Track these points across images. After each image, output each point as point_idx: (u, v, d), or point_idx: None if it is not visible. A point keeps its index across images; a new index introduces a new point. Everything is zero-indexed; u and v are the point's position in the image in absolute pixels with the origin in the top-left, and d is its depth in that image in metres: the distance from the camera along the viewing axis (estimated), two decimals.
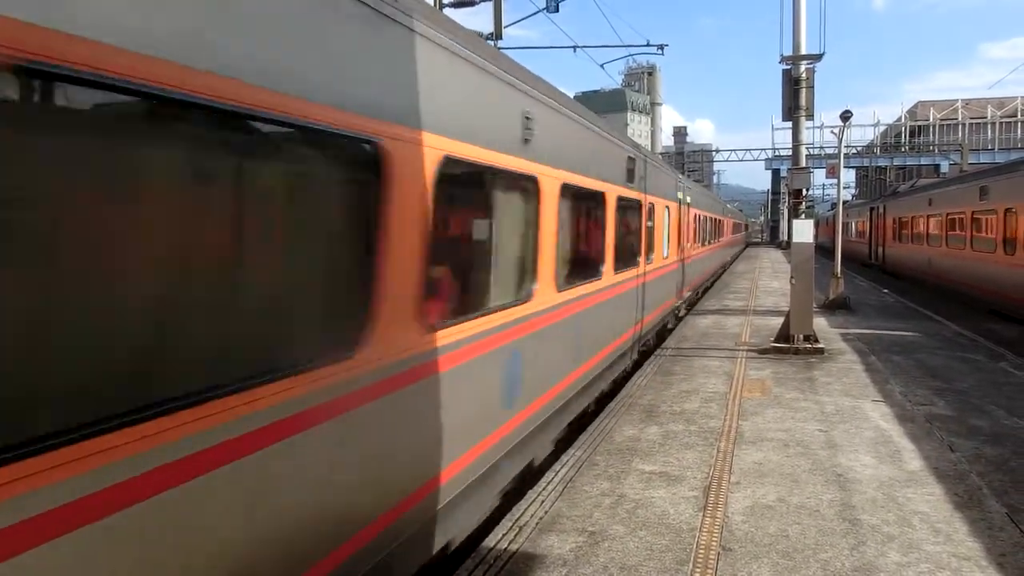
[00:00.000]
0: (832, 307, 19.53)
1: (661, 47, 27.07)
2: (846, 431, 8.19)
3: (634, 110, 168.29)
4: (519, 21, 21.98)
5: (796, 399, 9.71)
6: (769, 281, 29.82)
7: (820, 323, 15.86)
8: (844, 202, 28.66)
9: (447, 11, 18.73)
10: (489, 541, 5.42)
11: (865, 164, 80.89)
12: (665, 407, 9.31)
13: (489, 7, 18.68)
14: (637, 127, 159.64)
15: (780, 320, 14.32)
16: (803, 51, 13.55)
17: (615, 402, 9.60)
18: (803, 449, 7.56)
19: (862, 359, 12.49)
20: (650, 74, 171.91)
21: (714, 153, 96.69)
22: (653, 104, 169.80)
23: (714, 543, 5.34)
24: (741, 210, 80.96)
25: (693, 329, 16.36)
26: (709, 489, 6.42)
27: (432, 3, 18.22)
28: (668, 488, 6.46)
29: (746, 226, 74.40)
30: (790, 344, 13.10)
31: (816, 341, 13.23)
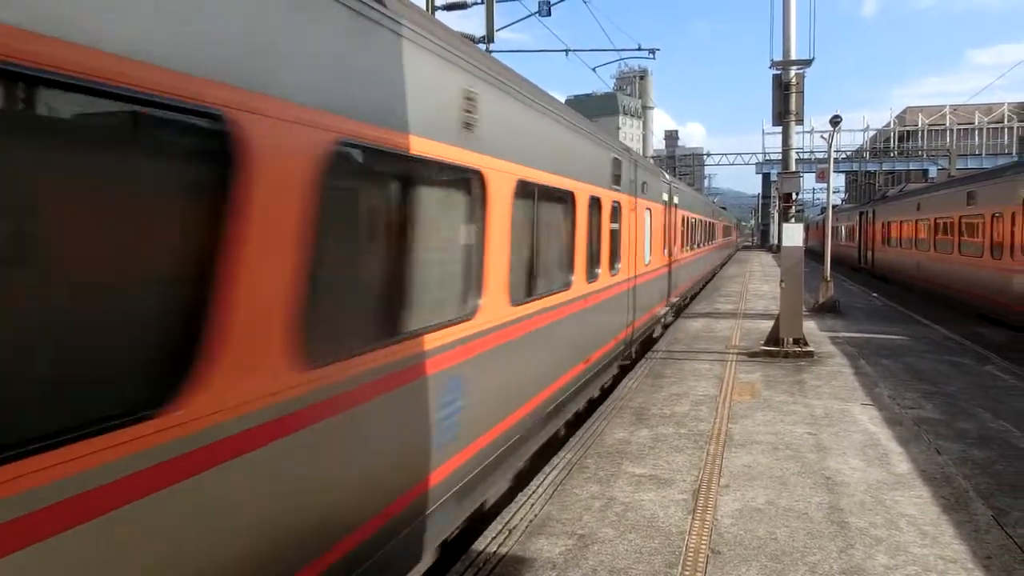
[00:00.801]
0: (822, 310, 19.63)
1: (652, 51, 27.18)
2: (835, 434, 8.24)
3: (626, 114, 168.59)
4: (511, 24, 22.00)
5: (785, 402, 9.75)
6: (759, 285, 29.94)
7: (810, 326, 15.93)
8: (834, 206, 28.80)
9: (439, 14, 18.74)
10: (479, 544, 5.42)
11: (855, 169, 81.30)
12: (655, 410, 9.33)
13: (481, 10, 18.69)
14: (629, 131, 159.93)
15: (770, 323, 14.38)
16: (793, 56, 13.62)
17: (605, 405, 9.62)
18: (792, 452, 7.59)
19: (851, 362, 12.56)
20: (642, 78, 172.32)
21: (705, 157, 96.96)
22: (645, 108, 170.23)
23: (703, 546, 5.36)
24: (724, 207, 61.13)
25: (684, 332, 16.40)
26: (698, 492, 6.44)
27: (424, 5, 18.22)
28: (658, 491, 6.47)
29: (727, 228, 50.97)
30: (780, 347, 13.15)
31: (805, 344, 13.29)
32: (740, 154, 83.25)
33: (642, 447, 7.76)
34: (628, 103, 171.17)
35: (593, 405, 9.86)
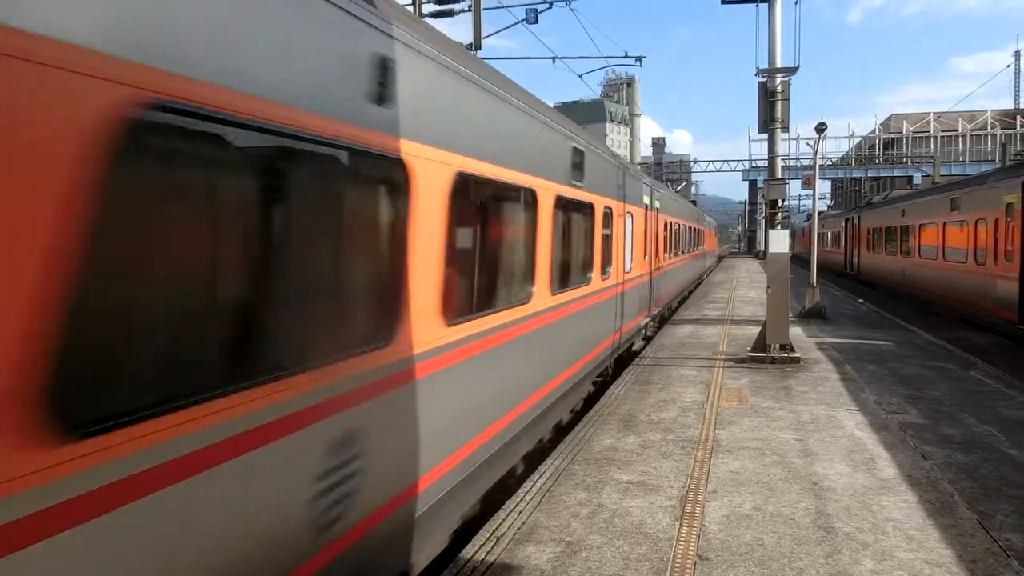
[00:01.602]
0: (808, 316, 19.75)
1: (639, 58, 27.34)
2: (821, 440, 8.27)
3: (613, 120, 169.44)
4: (499, 32, 22.07)
5: (772, 408, 9.79)
6: (746, 291, 30.08)
7: (796, 332, 16.03)
8: (820, 213, 28.78)
9: (427, 20, 18.77)
10: (467, 551, 5.41)
11: (840, 175, 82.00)
12: (643, 416, 9.34)
13: (469, 17, 18.76)
14: (616, 137, 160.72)
15: (757, 329, 14.45)
16: (779, 64, 13.73)
17: (593, 412, 9.62)
18: (779, 458, 7.61)
19: (837, 368, 12.63)
20: (629, 85, 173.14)
21: (692, 164, 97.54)
22: (632, 115, 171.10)
23: (691, 552, 5.36)
24: (695, 199, 45.32)
25: (671, 339, 16.45)
26: (686, 498, 6.45)
27: (412, 12, 18.26)
28: (645, 497, 6.47)
29: (695, 232, 30.48)
30: (767, 353, 13.22)
31: (792, 350, 13.36)
32: (727, 161, 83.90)
33: (630, 454, 7.76)
34: (615, 110, 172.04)
35: (580, 412, 9.86)
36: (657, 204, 16.80)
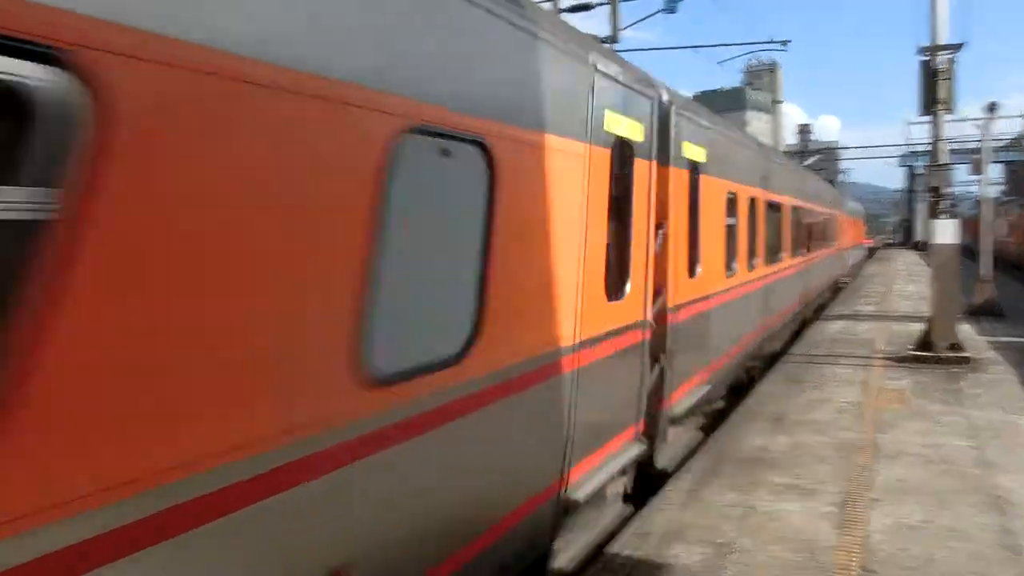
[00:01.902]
0: (979, 313, 18.08)
1: (784, 43, 26.07)
2: (1001, 448, 7.55)
3: (754, 108, 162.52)
4: (636, 23, 21.74)
5: (940, 412, 9.04)
6: (904, 285, 28.00)
7: (965, 330, 14.70)
8: (993, 199, 26.12)
9: (564, 16, 18.83)
10: (612, 548, 5.39)
11: (1015, 159, 74.28)
12: (794, 416, 8.92)
13: (605, 11, 18.60)
14: (758, 125, 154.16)
15: (918, 326, 13.43)
16: (942, 40, 12.64)
17: (738, 411, 9.30)
18: (950, 466, 7.03)
19: (1016, 370, 11.47)
20: (771, 71, 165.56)
21: (841, 151, 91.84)
22: (775, 102, 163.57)
23: (854, 563, 5.06)
24: (832, 180, 34.89)
25: (822, 335, 15.59)
26: (846, 505, 6.09)
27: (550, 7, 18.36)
28: (800, 502, 6.18)
29: (834, 221, 23.32)
30: (931, 352, 12.22)
31: (961, 349, 12.27)
32: (880, 147, 78.38)
33: (781, 455, 7.43)
34: (757, 97, 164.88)
35: (725, 410, 9.55)
36: (697, 155, 7.67)
